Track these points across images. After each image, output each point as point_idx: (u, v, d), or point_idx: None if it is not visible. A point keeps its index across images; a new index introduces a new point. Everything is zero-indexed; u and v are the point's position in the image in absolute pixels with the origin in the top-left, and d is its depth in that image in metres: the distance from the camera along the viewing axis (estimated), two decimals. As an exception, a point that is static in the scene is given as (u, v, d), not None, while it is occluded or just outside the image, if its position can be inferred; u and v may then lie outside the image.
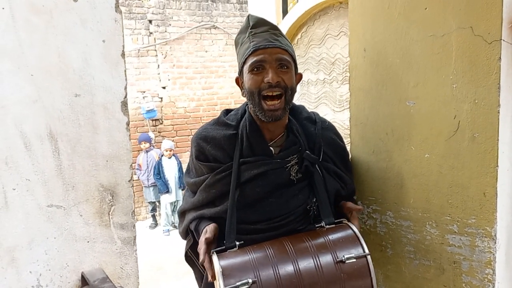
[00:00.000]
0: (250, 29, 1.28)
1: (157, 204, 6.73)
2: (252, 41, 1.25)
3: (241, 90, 1.33)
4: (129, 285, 0.96)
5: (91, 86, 0.90)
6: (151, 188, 6.47)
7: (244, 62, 1.27)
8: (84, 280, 0.86)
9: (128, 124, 0.93)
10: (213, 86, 7.46)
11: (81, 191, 0.91)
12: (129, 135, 0.93)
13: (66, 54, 0.87)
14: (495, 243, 1.14)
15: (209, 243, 1.22)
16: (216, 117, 1.43)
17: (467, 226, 1.20)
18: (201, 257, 1.19)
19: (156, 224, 6.71)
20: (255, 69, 1.24)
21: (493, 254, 1.15)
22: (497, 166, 1.12)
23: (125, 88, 0.90)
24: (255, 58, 1.23)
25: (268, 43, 1.24)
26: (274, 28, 1.30)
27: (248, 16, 1.32)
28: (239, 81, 1.35)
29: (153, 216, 6.76)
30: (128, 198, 0.94)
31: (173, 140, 7.10)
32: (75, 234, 0.91)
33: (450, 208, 1.23)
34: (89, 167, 0.91)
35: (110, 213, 0.92)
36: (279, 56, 1.24)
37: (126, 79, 0.91)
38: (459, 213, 1.21)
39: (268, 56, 1.23)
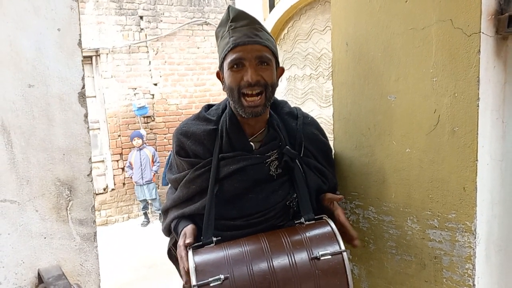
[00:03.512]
0: (230, 22, 1.24)
1: (149, 201, 6.70)
2: (232, 37, 1.22)
3: (222, 84, 1.31)
4: (90, 283, 0.93)
5: (46, 76, 0.86)
6: (145, 186, 6.42)
7: (224, 58, 1.25)
8: (40, 278, 0.84)
9: (86, 116, 0.90)
10: (206, 83, 7.42)
11: (37, 185, 0.88)
12: (88, 127, 0.90)
13: (18, 43, 0.83)
14: (475, 238, 1.13)
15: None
16: (198, 112, 1.41)
17: (448, 221, 1.19)
18: (184, 265, 1.15)
19: (148, 221, 6.68)
20: (235, 66, 1.22)
21: (473, 249, 1.14)
22: (477, 160, 1.11)
23: (83, 78, 0.87)
24: (234, 55, 1.21)
25: (248, 39, 1.21)
26: (254, 22, 1.26)
27: (228, 8, 1.28)
28: (219, 75, 1.33)
29: (145, 214, 6.72)
30: (87, 192, 0.91)
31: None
32: (30, 230, 0.88)
33: (430, 203, 1.22)
34: (45, 161, 0.88)
35: (68, 208, 0.89)
36: (259, 53, 1.21)
37: (83, 69, 0.88)
38: (439, 208, 1.20)
39: (248, 53, 1.20)
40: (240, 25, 1.23)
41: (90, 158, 0.92)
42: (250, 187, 1.28)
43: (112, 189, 6.87)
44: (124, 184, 6.93)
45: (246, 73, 1.20)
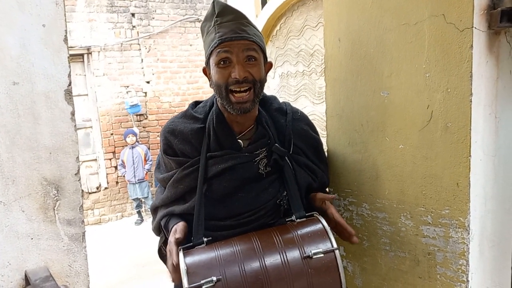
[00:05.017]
0: (216, 17, 1.21)
1: (142, 200, 6.67)
2: (218, 32, 1.19)
3: (209, 80, 1.29)
4: (78, 283, 0.91)
5: (31, 73, 0.84)
6: (137, 185, 6.39)
7: (210, 54, 1.21)
8: (27, 279, 0.82)
9: (73, 114, 0.88)
10: (198, 80, 7.39)
11: (23, 185, 0.86)
12: (75, 125, 0.88)
13: (2, 39, 0.81)
14: (469, 233, 1.13)
15: (179, 244, 1.18)
16: (185, 109, 1.39)
17: (441, 217, 1.18)
18: (174, 259, 1.13)
19: (142, 220, 6.65)
20: (222, 63, 1.19)
21: (467, 245, 1.14)
22: (470, 155, 1.10)
23: (69, 75, 0.85)
24: (221, 52, 1.18)
25: (235, 35, 1.18)
26: (241, 16, 1.22)
27: (213, 2, 1.24)
28: (206, 71, 1.30)
29: (139, 213, 6.69)
30: (75, 192, 0.89)
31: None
32: (17, 230, 0.86)
33: (424, 199, 1.22)
34: (31, 160, 0.86)
35: (55, 208, 0.87)
36: (246, 49, 1.19)
37: (69, 66, 0.86)
38: (433, 204, 1.20)
39: (235, 49, 1.17)
40: (226, 20, 1.20)
41: (77, 157, 0.90)
42: (240, 186, 1.26)
43: (105, 188, 6.83)
44: (117, 182, 6.88)
45: (234, 69, 1.18)
